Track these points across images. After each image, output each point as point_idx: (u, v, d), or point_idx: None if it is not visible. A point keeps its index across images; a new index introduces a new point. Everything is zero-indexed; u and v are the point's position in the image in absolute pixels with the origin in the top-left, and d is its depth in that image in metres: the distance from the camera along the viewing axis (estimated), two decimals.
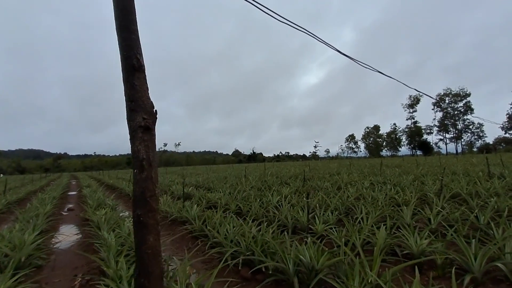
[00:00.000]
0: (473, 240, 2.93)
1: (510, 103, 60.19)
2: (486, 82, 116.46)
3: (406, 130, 76.19)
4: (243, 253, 3.32)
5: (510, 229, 3.25)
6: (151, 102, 1.85)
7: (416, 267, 2.40)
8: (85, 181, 19.67)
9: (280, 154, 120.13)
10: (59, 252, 4.51)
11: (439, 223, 3.98)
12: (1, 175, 59.02)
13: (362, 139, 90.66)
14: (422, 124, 73.37)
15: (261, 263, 2.98)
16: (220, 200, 6.97)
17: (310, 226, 4.29)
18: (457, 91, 67.15)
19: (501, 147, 64.06)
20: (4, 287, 2.70)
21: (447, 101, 68.41)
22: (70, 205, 9.70)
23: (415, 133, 72.84)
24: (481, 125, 65.54)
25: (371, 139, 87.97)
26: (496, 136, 67.45)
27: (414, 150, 73.84)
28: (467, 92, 66.13)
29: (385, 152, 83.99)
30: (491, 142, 66.18)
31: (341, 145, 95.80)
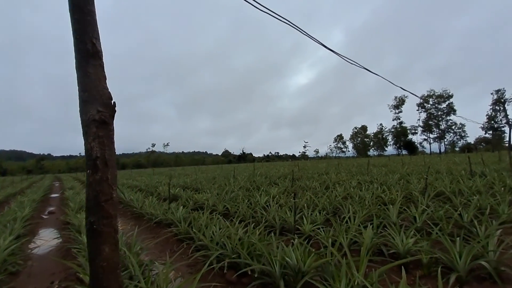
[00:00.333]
0: (458, 238, 2.96)
1: (490, 104, 62.63)
2: (469, 84, 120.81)
3: (392, 130, 77.90)
4: (229, 256, 3.23)
5: (492, 226, 3.31)
6: (109, 93, 1.62)
7: (402, 267, 2.38)
8: (68, 183, 19.00)
9: (270, 154, 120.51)
10: (36, 258, 4.30)
11: (424, 222, 4.02)
12: None
13: (350, 139, 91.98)
14: (407, 124, 75.32)
15: (247, 266, 2.90)
16: (207, 201, 6.85)
17: (297, 226, 4.25)
18: (440, 93, 69.31)
19: (481, 146, 66.75)
20: None
21: (431, 102, 70.45)
22: (51, 208, 9.32)
23: (401, 133, 74.57)
24: (463, 125, 68.01)
25: (359, 139, 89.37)
26: (477, 136, 70.40)
27: (399, 150, 75.62)
28: (450, 94, 68.41)
29: (372, 152, 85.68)
30: (472, 142, 68.87)
31: (330, 145, 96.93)
